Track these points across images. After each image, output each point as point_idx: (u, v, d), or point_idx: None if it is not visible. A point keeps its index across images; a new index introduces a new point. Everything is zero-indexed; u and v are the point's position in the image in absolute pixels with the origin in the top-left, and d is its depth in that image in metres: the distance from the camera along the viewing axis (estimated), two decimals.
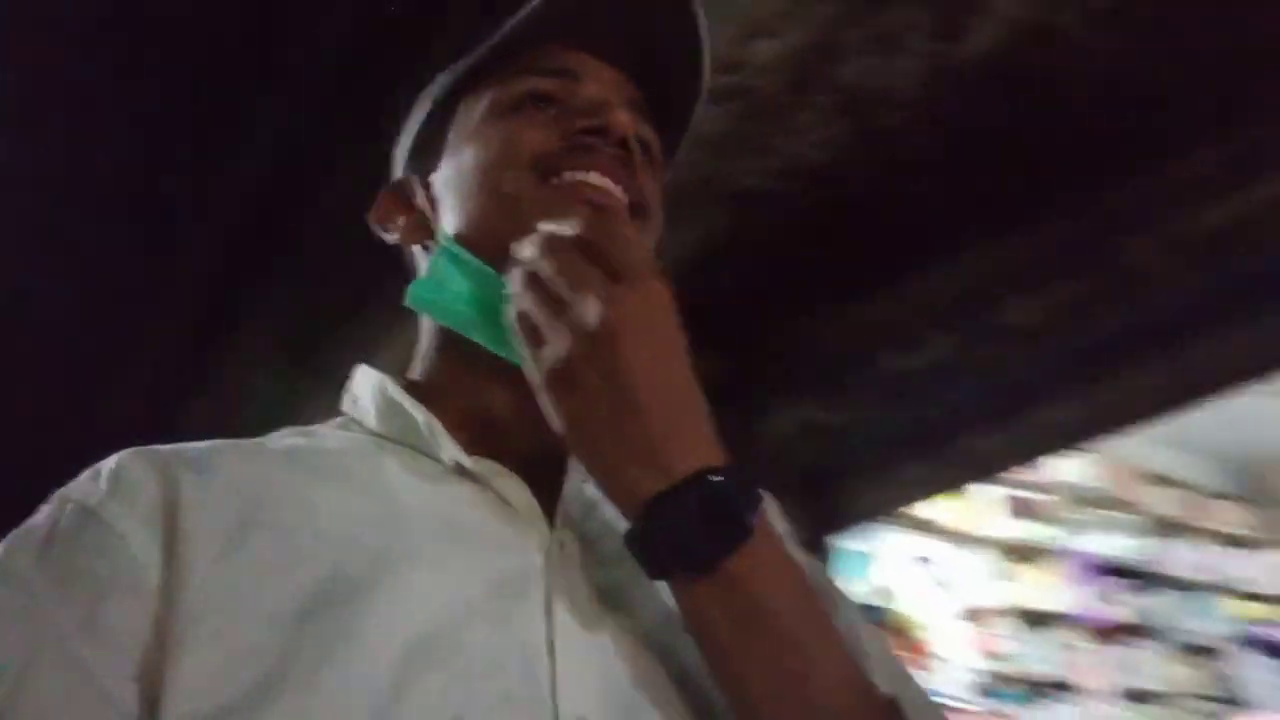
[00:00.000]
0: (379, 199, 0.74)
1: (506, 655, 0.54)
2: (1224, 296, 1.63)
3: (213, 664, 0.49)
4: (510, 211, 0.64)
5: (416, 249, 0.72)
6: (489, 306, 0.62)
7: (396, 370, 0.71)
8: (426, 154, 0.73)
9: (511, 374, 0.61)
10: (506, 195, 0.65)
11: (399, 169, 0.76)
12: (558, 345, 0.55)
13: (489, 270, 0.63)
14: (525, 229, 0.59)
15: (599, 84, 0.69)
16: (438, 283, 0.66)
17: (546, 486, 0.63)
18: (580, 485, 0.64)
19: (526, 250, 0.58)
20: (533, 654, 0.54)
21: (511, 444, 0.64)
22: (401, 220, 0.72)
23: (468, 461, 0.62)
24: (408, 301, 0.66)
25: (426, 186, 0.72)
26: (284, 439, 0.65)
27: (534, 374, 0.57)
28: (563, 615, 0.56)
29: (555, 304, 0.56)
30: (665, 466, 0.53)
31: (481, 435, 0.64)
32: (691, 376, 0.57)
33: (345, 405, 0.71)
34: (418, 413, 0.64)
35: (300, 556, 0.54)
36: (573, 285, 0.55)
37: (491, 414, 0.65)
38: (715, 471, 0.54)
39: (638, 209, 0.67)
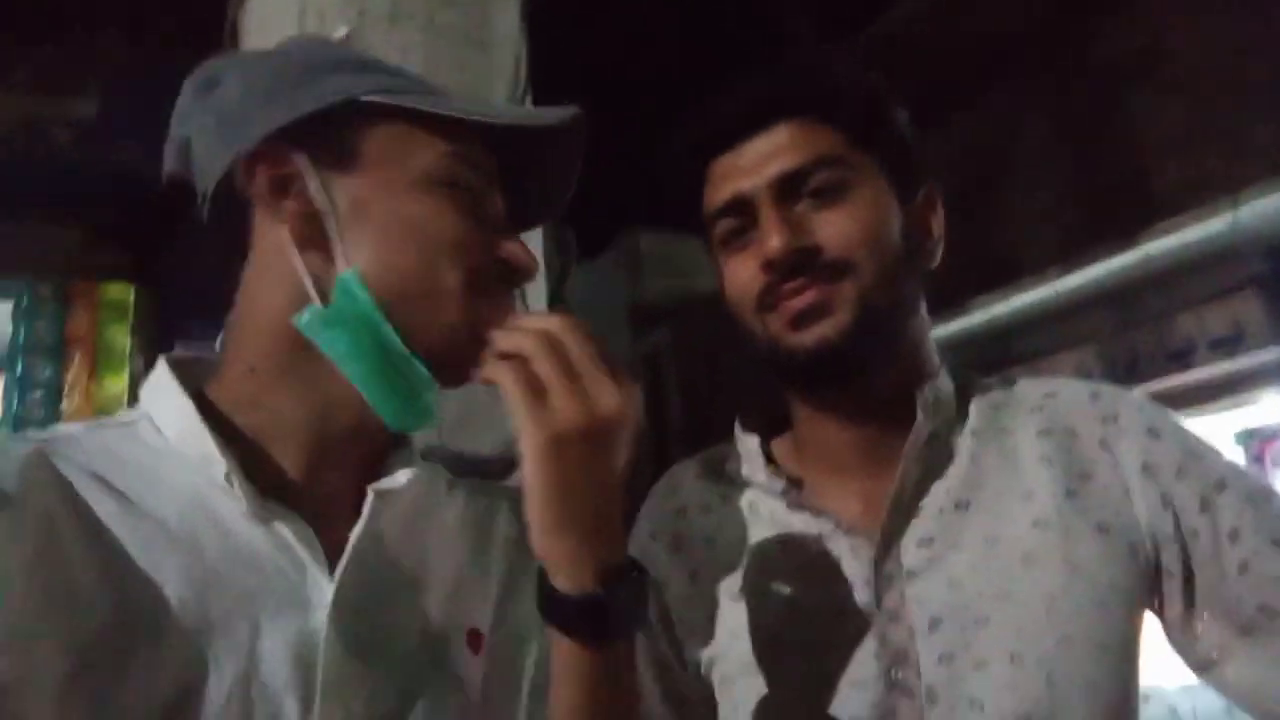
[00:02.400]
0: (258, 155, 0.70)
1: (265, 715, 0.62)
2: None
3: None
4: (432, 302, 0.69)
5: (287, 240, 0.70)
6: (377, 358, 0.68)
7: None
8: (328, 139, 0.71)
9: (327, 423, 0.70)
10: (437, 289, 0.70)
11: (256, 127, 0.70)
12: (571, 412, 0.63)
13: (389, 329, 0.68)
14: (441, 325, 0.69)
15: (496, 199, 0.75)
16: (339, 315, 0.68)
17: (344, 528, 0.69)
18: (370, 529, 0.70)
19: (546, 322, 0.67)
20: (298, 714, 0.63)
21: (305, 488, 0.70)
22: (288, 204, 0.70)
23: (261, 511, 0.67)
24: (300, 324, 0.68)
25: (324, 185, 0.70)
26: (90, 438, 0.68)
27: (533, 429, 0.64)
28: (333, 673, 0.64)
29: (571, 376, 0.64)
30: (616, 552, 0.69)
31: (277, 477, 0.69)
32: (615, 491, 0.69)
33: (143, 398, 0.73)
34: (222, 461, 0.67)
35: (80, 600, 0.59)
36: (594, 365, 0.65)
37: (296, 461, 0.70)
38: (637, 569, 0.70)
39: None
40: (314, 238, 0.69)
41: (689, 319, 4.34)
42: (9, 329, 3.17)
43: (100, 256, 3.02)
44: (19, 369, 3.07)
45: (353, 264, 0.68)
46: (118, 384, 3.18)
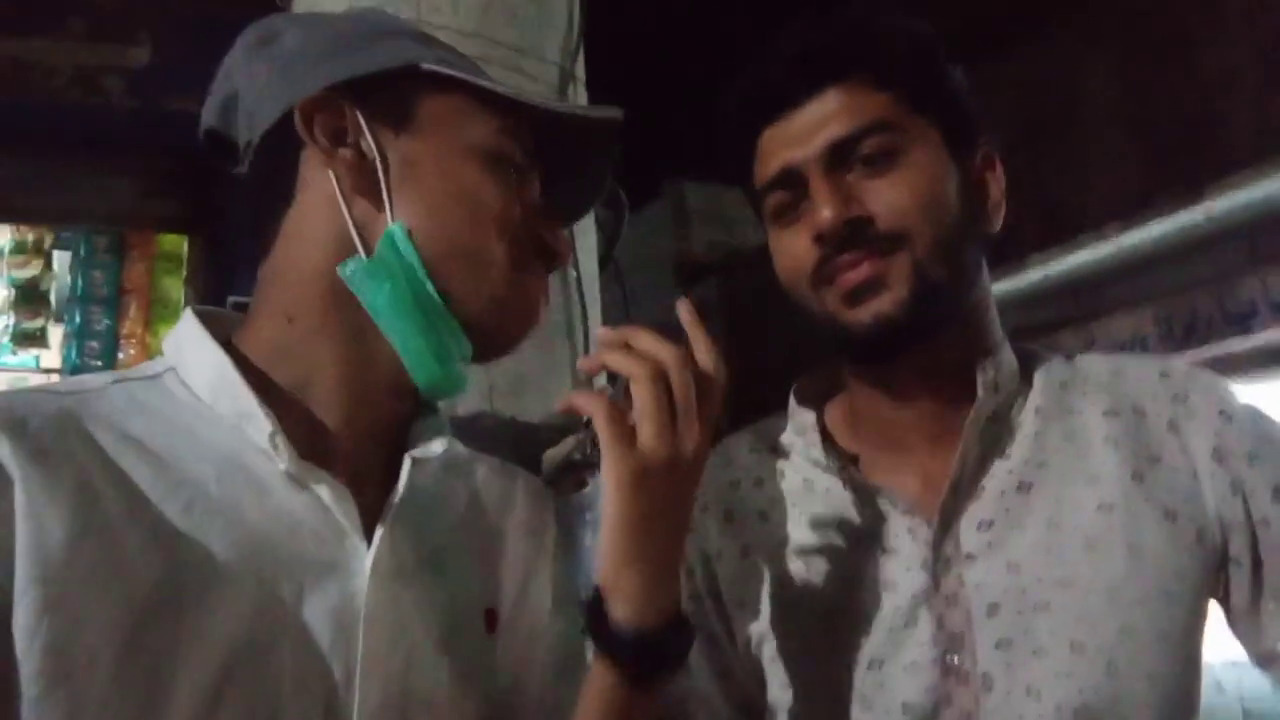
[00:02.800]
0: (316, 102, 0.70)
1: (313, 679, 0.63)
2: None
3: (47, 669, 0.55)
4: (477, 269, 0.71)
5: (337, 184, 0.70)
6: (417, 316, 0.69)
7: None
8: (385, 99, 0.72)
9: (363, 380, 0.70)
10: (482, 258, 0.71)
11: (316, 78, 0.71)
12: (662, 449, 0.66)
13: (431, 287, 0.69)
14: (485, 294, 0.71)
15: (536, 183, 0.77)
16: (385, 269, 0.68)
17: (372, 493, 0.69)
18: (407, 496, 0.71)
19: (659, 351, 0.68)
20: (340, 680, 0.63)
21: (340, 448, 0.70)
22: (343, 152, 0.70)
23: (302, 474, 0.66)
24: (343, 273, 0.68)
25: (376, 143, 0.71)
26: (118, 392, 0.67)
27: (620, 461, 0.66)
28: (373, 641, 0.65)
29: (668, 413, 0.67)
30: (676, 595, 0.71)
31: (311, 436, 0.68)
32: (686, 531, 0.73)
33: (168, 350, 0.72)
34: (265, 421, 0.66)
35: (128, 566, 0.59)
36: (691, 406, 0.67)
37: (332, 419, 0.70)
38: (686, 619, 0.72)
39: None
40: (365, 189, 0.70)
41: (736, 272, 4.30)
42: (68, 280, 3.23)
43: (155, 207, 3.04)
44: (77, 319, 3.12)
45: (401, 219, 0.69)
46: None
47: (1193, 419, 0.83)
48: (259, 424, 0.66)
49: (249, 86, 0.73)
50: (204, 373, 0.68)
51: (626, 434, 0.66)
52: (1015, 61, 3.53)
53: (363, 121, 0.70)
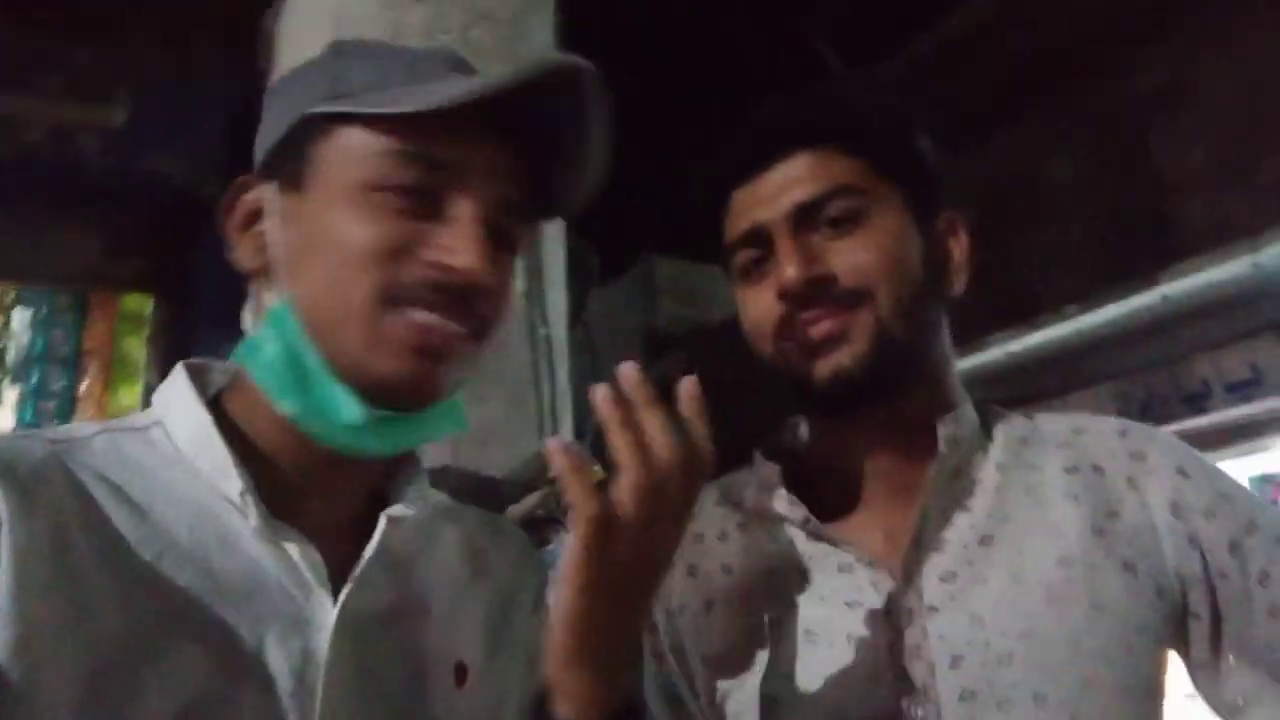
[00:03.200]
0: (236, 188, 0.72)
1: None
2: None
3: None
4: (340, 322, 0.66)
5: (257, 274, 0.71)
6: (296, 387, 0.67)
7: None
8: (285, 163, 0.70)
9: (320, 448, 0.68)
10: (348, 308, 0.66)
11: (258, 153, 0.73)
12: (632, 555, 0.65)
13: (311, 356, 0.67)
14: (353, 346, 0.66)
15: (465, 193, 0.68)
16: (259, 347, 0.68)
17: (346, 548, 0.69)
18: (379, 554, 0.70)
19: (665, 451, 0.65)
20: None
21: (310, 506, 0.69)
22: (245, 240, 0.71)
23: (271, 531, 0.66)
24: (236, 356, 0.69)
25: (278, 212, 0.70)
26: (103, 442, 0.68)
27: (588, 564, 0.65)
28: (333, 694, 0.64)
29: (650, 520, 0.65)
30: (625, 695, 0.69)
31: (283, 493, 0.68)
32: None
33: (157, 404, 0.72)
34: (236, 478, 0.66)
35: (95, 615, 0.59)
36: (677, 511, 0.67)
37: (302, 477, 0.70)
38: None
39: (477, 333, 0.70)
40: (267, 270, 0.70)
41: (702, 346, 4.33)
42: (26, 338, 3.18)
43: (123, 266, 3.04)
44: (34, 379, 3.08)
45: (290, 292, 0.68)
46: (131, 395, 3.19)
47: (1151, 476, 0.85)
48: (232, 481, 0.66)
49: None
50: (186, 428, 0.69)
51: (602, 527, 0.64)
52: (979, 157, 3.64)
53: (266, 198, 0.70)
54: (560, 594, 0.67)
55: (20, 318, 3.27)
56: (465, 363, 0.69)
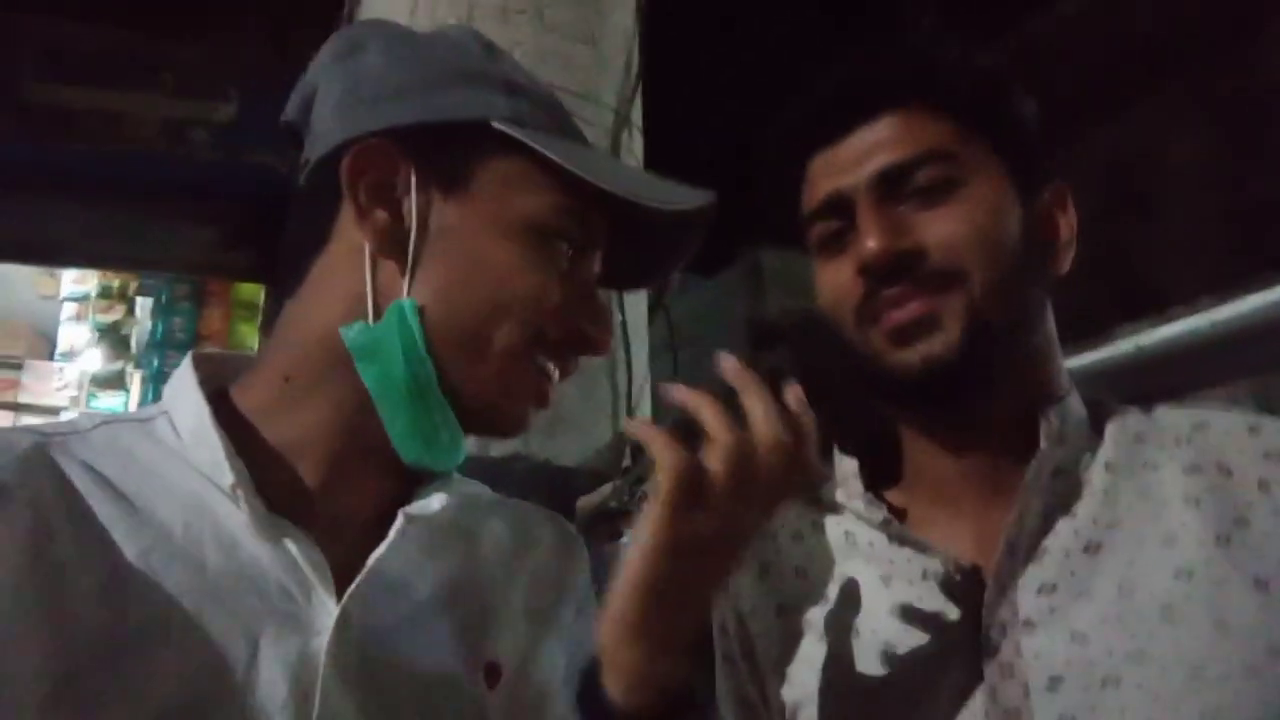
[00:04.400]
0: (373, 151, 0.67)
1: None
2: None
3: None
4: (478, 356, 0.66)
5: (366, 244, 0.67)
6: (407, 392, 0.65)
7: None
8: (444, 156, 0.67)
9: (350, 443, 0.66)
10: (488, 344, 0.66)
11: (378, 117, 0.68)
12: (715, 522, 0.59)
13: (429, 367, 0.65)
14: (486, 380, 0.66)
15: (598, 261, 0.72)
16: (384, 341, 0.64)
17: (358, 549, 0.66)
18: (391, 553, 0.66)
19: (769, 427, 0.61)
20: None
21: (318, 505, 0.66)
22: (379, 214, 0.67)
23: (267, 527, 0.63)
24: (347, 338, 0.65)
25: (421, 205, 0.67)
26: (102, 434, 0.66)
27: (666, 526, 0.59)
28: (332, 701, 0.61)
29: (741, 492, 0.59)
30: (680, 676, 0.63)
31: (289, 491, 0.65)
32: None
33: (166, 394, 0.70)
34: (228, 471, 0.64)
35: (71, 614, 0.56)
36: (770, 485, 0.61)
37: (315, 479, 0.66)
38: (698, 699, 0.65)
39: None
40: (394, 254, 0.66)
41: (810, 336, 4.23)
42: (148, 325, 3.31)
43: (234, 257, 3.11)
44: (155, 364, 3.20)
45: (419, 292, 0.65)
46: None
47: None
48: (224, 473, 0.64)
49: (324, 99, 0.70)
50: (188, 419, 0.67)
51: (689, 483, 0.58)
52: (1101, 139, 3.45)
53: (414, 180, 0.67)
54: (630, 557, 0.61)
55: (142, 305, 3.41)
56: None
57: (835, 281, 0.80)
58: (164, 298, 3.28)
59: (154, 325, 3.26)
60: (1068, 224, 0.82)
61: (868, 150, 0.78)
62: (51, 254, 2.98)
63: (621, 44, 1.34)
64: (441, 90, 0.68)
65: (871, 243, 0.75)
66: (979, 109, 0.79)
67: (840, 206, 0.79)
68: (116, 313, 3.50)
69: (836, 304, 0.80)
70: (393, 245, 0.66)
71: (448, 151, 0.67)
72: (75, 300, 3.66)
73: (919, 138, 0.77)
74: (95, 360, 3.59)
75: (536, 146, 0.66)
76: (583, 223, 0.68)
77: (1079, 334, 0.81)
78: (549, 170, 0.66)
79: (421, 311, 0.64)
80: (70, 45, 2.61)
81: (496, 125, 0.66)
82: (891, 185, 0.77)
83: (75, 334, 3.67)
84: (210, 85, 2.78)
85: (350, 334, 0.65)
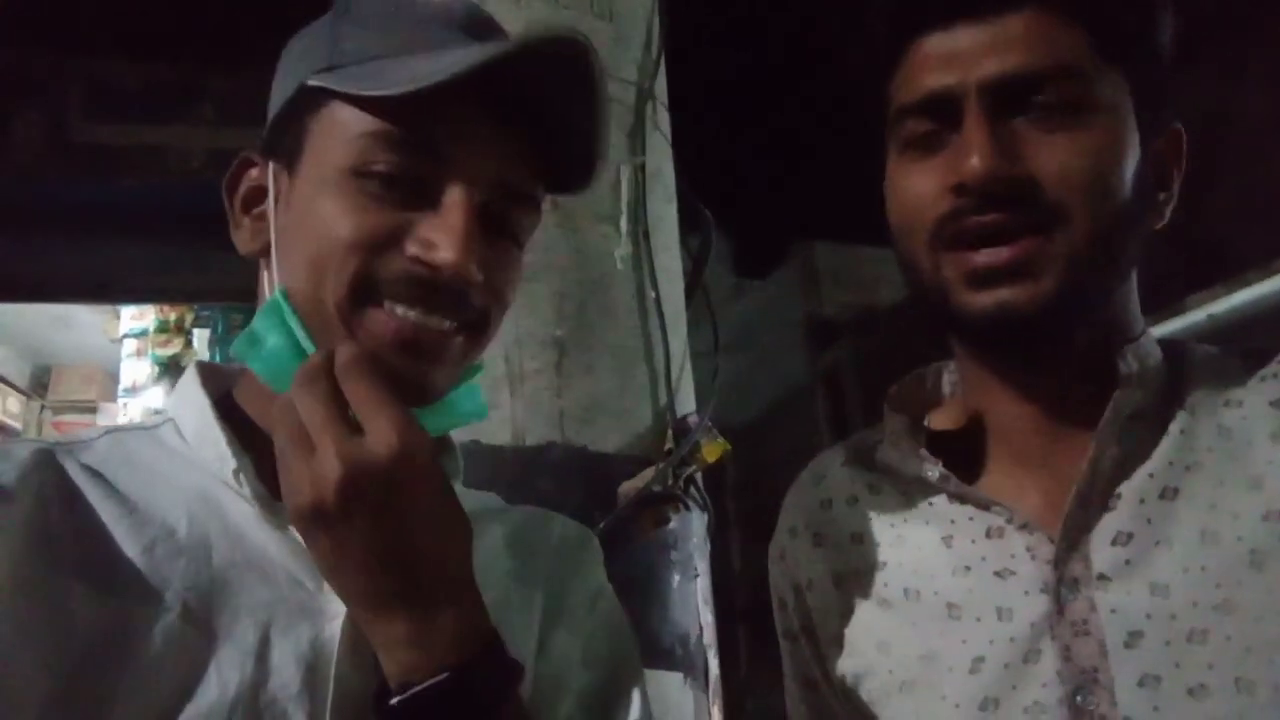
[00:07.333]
0: (241, 164, 0.68)
1: None
2: None
3: None
4: (324, 319, 0.61)
5: (258, 259, 0.67)
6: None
7: None
8: (284, 138, 0.65)
9: None
10: (326, 302, 0.61)
11: (266, 129, 0.68)
12: (299, 490, 0.54)
13: (307, 340, 0.61)
14: (335, 339, 0.60)
15: (455, 180, 0.62)
16: (257, 339, 0.62)
17: None
18: None
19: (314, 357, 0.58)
20: None
21: None
22: (246, 222, 0.67)
23: (272, 514, 0.62)
24: (232, 351, 0.63)
25: (276, 192, 0.65)
26: (106, 442, 0.66)
27: (286, 494, 0.55)
28: (346, 689, 0.59)
29: (304, 443, 0.54)
30: (462, 635, 0.56)
31: None
32: (448, 549, 0.57)
33: (169, 403, 0.71)
34: (231, 457, 0.63)
35: (70, 615, 0.55)
36: (316, 430, 0.54)
37: None
38: (469, 668, 0.55)
39: (471, 325, 0.64)
40: (264, 251, 0.66)
41: (870, 333, 4.14)
42: (206, 355, 3.36)
43: None
44: None
45: (283, 277, 0.63)
46: None
47: None
48: (227, 461, 0.63)
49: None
50: (192, 420, 0.67)
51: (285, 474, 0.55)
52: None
53: (270, 174, 0.65)
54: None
55: (199, 337, 3.46)
56: (460, 357, 0.64)
57: (917, 190, 0.70)
58: (219, 327, 3.32)
59: (211, 356, 3.31)
60: (1179, 173, 0.74)
61: (989, 47, 0.67)
62: (105, 292, 3.02)
63: (641, 18, 1.30)
64: (288, 79, 0.66)
65: (977, 161, 0.66)
66: (1120, 24, 0.69)
67: (943, 106, 0.69)
68: (175, 346, 3.56)
69: (911, 214, 0.71)
70: (263, 247, 0.65)
71: (287, 133, 0.65)
72: (134, 337, 3.73)
73: (1051, 46, 0.67)
74: (158, 396, 3.65)
75: (330, 86, 0.61)
76: (404, 144, 0.61)
77: (1145, 305, 0.72)
78: (365, 103, 0.61)
79: (289, 297, 0.62)
80: (111, 83, 2.65)
81: (309, 83, 0.63)
82: (1010, 95, 0.67)
83: (137, 370, 3.73)
84: (250, 113, 2.81)
85: (235, 348, 0.63)
